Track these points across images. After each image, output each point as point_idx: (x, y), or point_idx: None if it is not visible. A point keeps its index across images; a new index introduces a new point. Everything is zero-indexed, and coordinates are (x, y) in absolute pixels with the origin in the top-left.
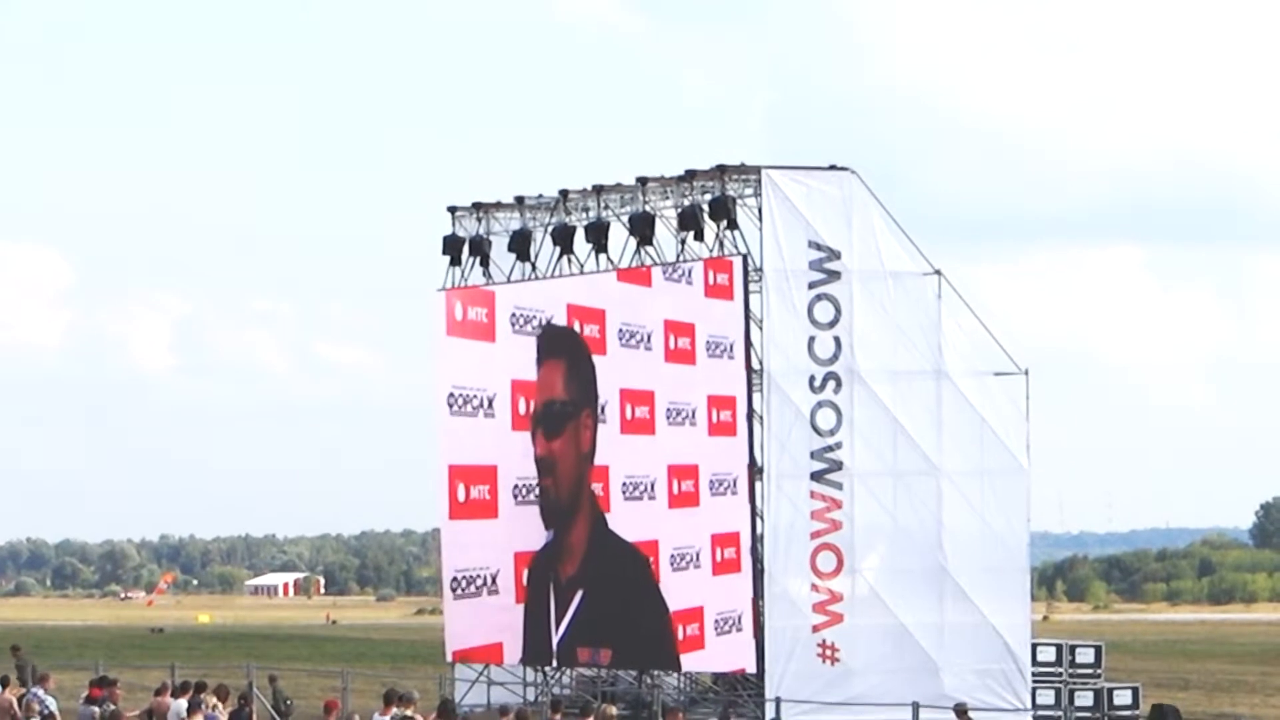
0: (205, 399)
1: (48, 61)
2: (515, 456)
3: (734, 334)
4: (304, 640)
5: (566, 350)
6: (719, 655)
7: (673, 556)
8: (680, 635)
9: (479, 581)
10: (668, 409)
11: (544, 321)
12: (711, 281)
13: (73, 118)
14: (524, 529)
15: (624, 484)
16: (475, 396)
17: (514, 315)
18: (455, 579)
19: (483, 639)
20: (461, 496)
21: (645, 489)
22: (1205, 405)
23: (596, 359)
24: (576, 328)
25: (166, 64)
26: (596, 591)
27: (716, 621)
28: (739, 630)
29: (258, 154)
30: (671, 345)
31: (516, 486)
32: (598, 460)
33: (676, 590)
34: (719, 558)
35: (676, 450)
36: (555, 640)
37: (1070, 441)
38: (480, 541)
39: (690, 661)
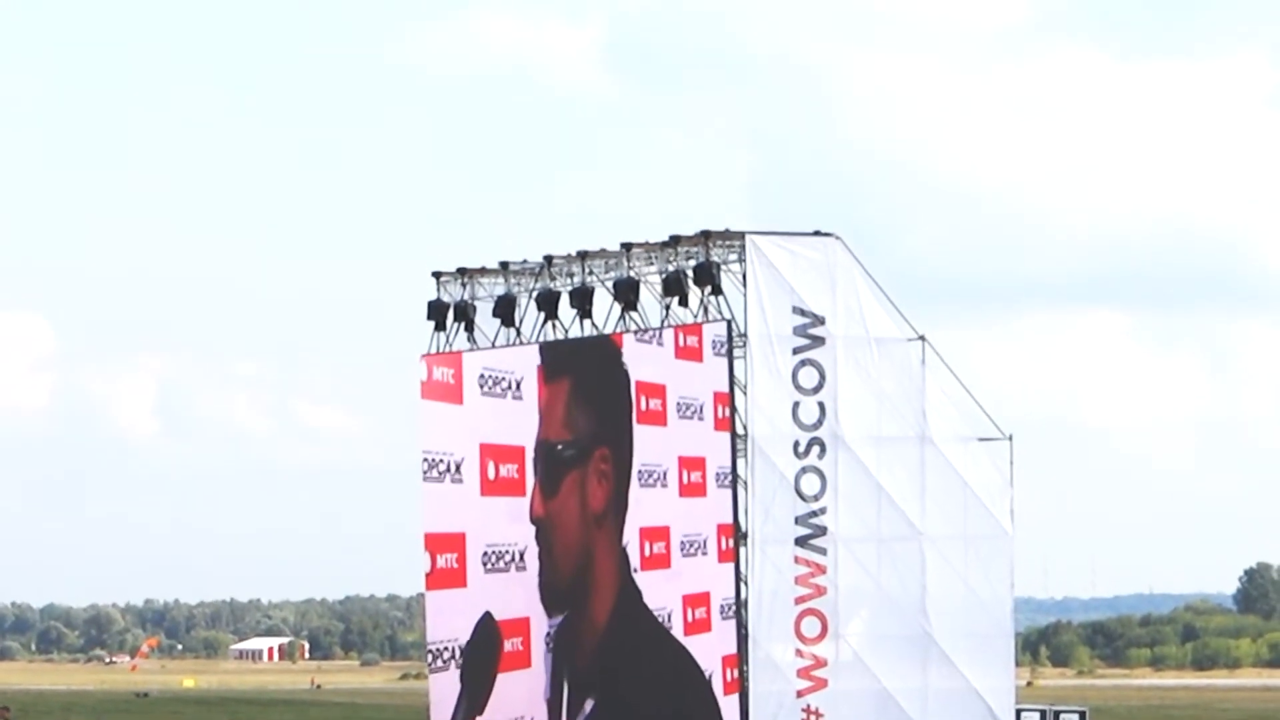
0: (189, 463)
1: (25, 128)
2: (485, 523)
3: (703, 396)
4: (289, 705)
5: (578, 365)
6: None
7: None
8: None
9: (445, 655)
10: (639, 471)
11: (515, 382)
12: (681, 344)
13: (54, 181)
14: (492, 600)
15: None
16: (442, 461)
17: (483, 377)
18: (431, 651)
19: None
20: (433, 565)
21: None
22: (1189, 471)
23: None
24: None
25: (148, 126)
26: (613, 695)
27: None
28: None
29: (242, 218)
30: (643, 407)
31: (486, 554)
32: None
33: None
34: (690, 618)
35: (649, 513)
36: None
37: (1054, 507)
38: (450, 612)
39: None
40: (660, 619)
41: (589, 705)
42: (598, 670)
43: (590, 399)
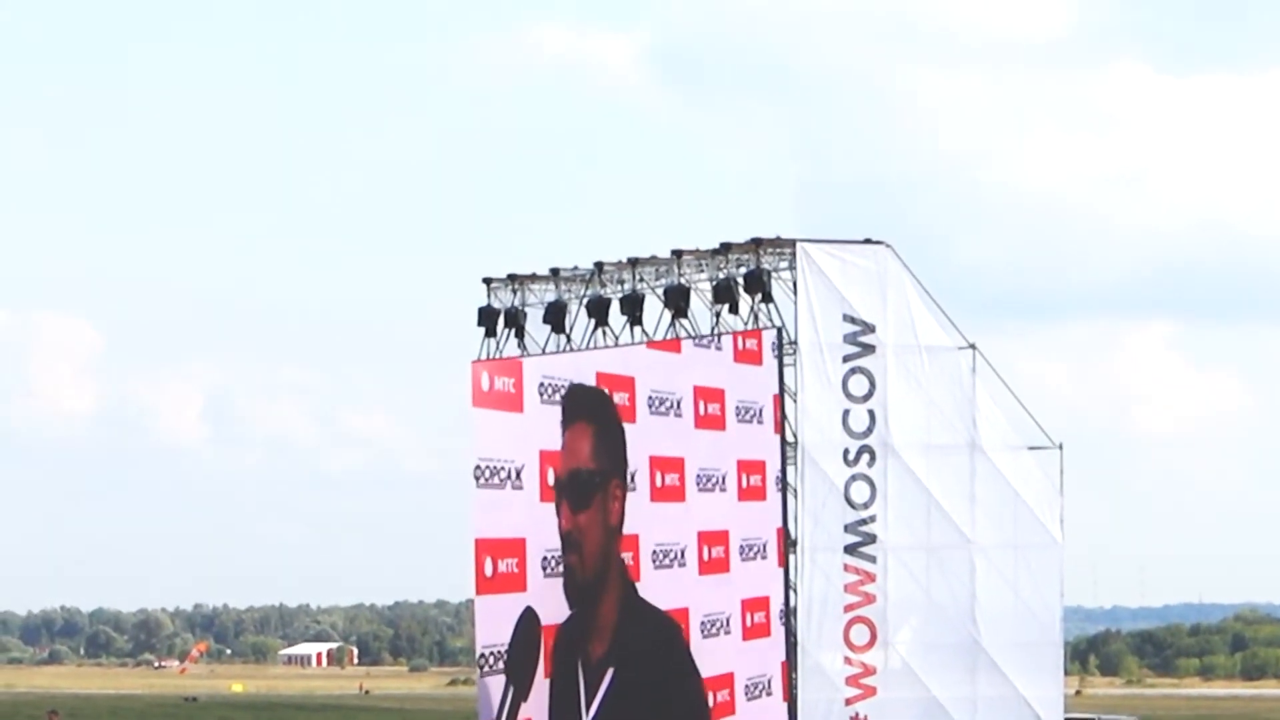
0: (239, 468)
1: (77, 131)
2: (544, 529)
3: (763, 399)
4: (337, 710)
5: (594, 414)
6: None
7: (703, 623)
8: (711, 702)
9: (504, 660)
10: (698, 475)
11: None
12: (740, 347)
13: (103, 186)
14: (552, 603)
15: (654, 552)
16: (502, 468)
17: (542, 385)
18: (483, 655)
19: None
20: (489, 571)
21: (675, 556)
22: (1239, 481)
23: (626, 426)
24: (606, 393)
25: (199, 134)
26: (628, 668)
27: (747, 687)
28: (769, 695)
29: (291, 224)
30: (701, 411)
31: (545, 559)
32: (627, 529)
33: (707, 657)
34: (749, 623)
35: (707, 517)
36: None
37: (1104, 516)
38: (509, 616)
39: None
40: (719, 623)
41: (609, 675)
42: (614, 650)
43: (606, 441)
